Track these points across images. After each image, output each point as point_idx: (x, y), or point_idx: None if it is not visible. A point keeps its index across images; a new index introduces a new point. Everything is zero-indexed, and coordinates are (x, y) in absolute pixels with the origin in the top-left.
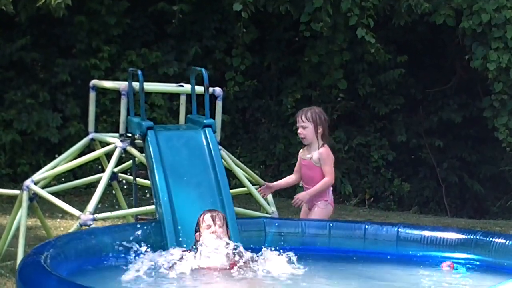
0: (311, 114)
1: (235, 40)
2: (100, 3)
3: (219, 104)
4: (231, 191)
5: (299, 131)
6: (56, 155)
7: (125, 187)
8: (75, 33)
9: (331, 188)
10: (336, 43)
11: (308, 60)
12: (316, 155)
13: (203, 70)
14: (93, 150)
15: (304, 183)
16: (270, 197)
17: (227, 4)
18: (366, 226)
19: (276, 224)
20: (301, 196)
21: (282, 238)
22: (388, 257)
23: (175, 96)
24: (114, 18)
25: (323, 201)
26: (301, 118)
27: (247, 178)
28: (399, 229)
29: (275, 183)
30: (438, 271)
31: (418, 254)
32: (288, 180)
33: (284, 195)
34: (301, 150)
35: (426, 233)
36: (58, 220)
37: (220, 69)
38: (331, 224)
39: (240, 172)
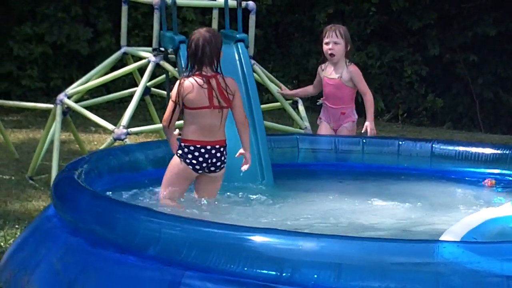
0: (344, 31)
1: None
2: None
3: (252, 18)
4: (264, 106)
5: (330, 46)
6: (89, 69)
7: (159, 100)
8: None
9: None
10: None
11: None
12: (346, 74)
13: None
14: (125, 64)
15: (330, 103)
16: (303, 112)
17: None
18: (400, 142)
19: (309, 140)
20: (371, 126)
21: (315, 154)
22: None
23: (207, 10)
24: None
25: (350, 122)
26: (336, 34)
27: (280, 93)
28: (433, 145)
29: (293, 91)
30: (475, 187)
31: (452, 170)
32: (305, 90)
33: (317, 110)
34: (321, 67)
35: (461, 148)
36: (92, 134)
37: None
38: (364, 140)
39: (273, 87)
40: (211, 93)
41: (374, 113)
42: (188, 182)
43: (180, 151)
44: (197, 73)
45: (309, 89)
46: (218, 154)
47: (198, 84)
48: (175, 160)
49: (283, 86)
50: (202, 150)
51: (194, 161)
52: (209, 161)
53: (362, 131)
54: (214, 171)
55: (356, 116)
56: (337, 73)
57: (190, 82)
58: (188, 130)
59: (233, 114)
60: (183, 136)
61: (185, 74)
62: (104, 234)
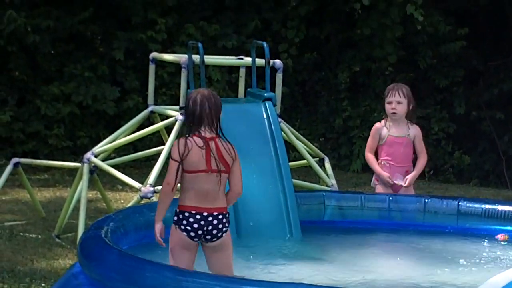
0: (407, 90)
1: (291, 12)
2: None
3: (279, 76)
4: (291, 163)
5: (393, 105)
6: (116, 128)
7: None
8: (131, 6)
9: None
10: (389, 17)
11: (360, 33)
12: (413, 132)
13: (264, 44)
14: (152, 123)
15: (397, 162)
16: (329, 169)
17: None
18: (426, 200)
19: (336, 197)
20: (411, 179)
21: (342, 211)
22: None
23: (233, 69)
24: None
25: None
26: (399, 93)
27: (306, 151)
28: (460, 203)
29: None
30: (494, 243)
31: (478, 227)
32: (375, 162)
33: (343, 168)
34: (382, 124)
35: (487, 206)
36: (118, 192)
37: (277, 41)
38: (390, 198)
39: (300, 145)
40: (209, 156)
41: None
42: (189, 253)
43: (175, 217)
44: (196, 133)
45: (376, 161)
46: (215, 222)
47: (197, 145)
48: (172, 227)
49: (322, 154)
50: (198, 217)
51: (188, 228)
52: (205, 228)
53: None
54: (211, 240)
55: None
56: (402, 131)
57: (189, 141)
58: (185, 195)
59: (229, 181)
60: (179, 202)
61: (184, 135)
62: None
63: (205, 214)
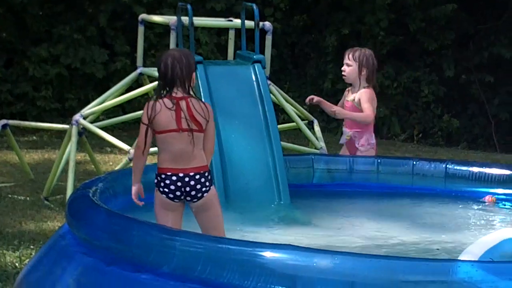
0: (359, 54)
1: None
2: None
3: (268, 38)
4: (280, 126)
5: (343, 68)
6: (104, 90)
7: None
8: None
9: (373, 133)
10: None
11: None
12: (358, 96)
13: (254, 6)
14: (141, 84)
15: (347, 126)
16: (318, 132)
17: None
18: (414, 162)
19: (325, 160)
20: (338, 109)
21: (331, 174)
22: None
23: (222, 31)
24: None
25: (366, 145)
26: (348, 56)
27: (295, 113)
28: (448, 165)
29: (324, 101)
30: (481, 205)
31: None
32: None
33: (332, 131)
34: (347, 89)
35: (475, 169)
36: (107, 154)
37: (265, 4)
38: (379, 161)
39: (289, 107)
40: (179, 116)
41: (386, 133)
42: (173, 214)
43: (155, 180)
44: (167, 95)
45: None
46: (192, 182)
47: (166, 106)
48: (155, 190)
49: (311, 117)
50: (174, 178)
51: (166, 190)
52: (182, 189)
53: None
54: (191, 200)
55: (374, 141)
56: (353, 95)
57: (158, 103)
58: (161, 157)
59: (203, 141)
60: (158, 164)
61: (153, 97)
62: (119, 252)
63: (181, 175)
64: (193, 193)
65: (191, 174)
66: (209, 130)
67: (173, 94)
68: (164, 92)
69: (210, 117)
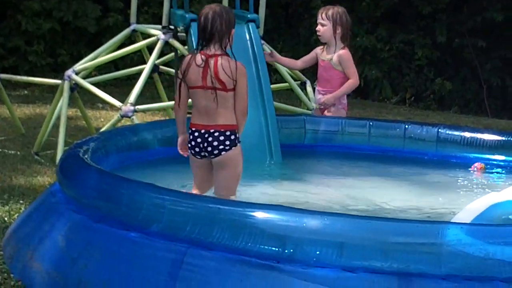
0: (332, 13)
1: None
2: None
3: None
4: (273, 86)
5: (317, 28)
6: (97, 46)
7: (167, 78)
8: None
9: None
10: None
11: None
12: (336, 57)
13: None
14: (134, 41)
15: (319, 85)
16: (311, 93)
17: None
18: (406, 126)
19: (316, 122)
20: (326, 99)
21: (322, 135)
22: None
23: None
24: None
25: (336, 107)
26: (321, 15)
27: (288, 74)
28: (439, 130)
29: (279, 56)
30: (470, 171)
31: (457, 155)
32: (291, 61)
33: None
34: (319, 48)
35: (466, 134)
36: (99, 111)
37: None
38: (371, 123)
39: (282, 67)
40: (206, 73)
41: (377, 96)
42: (200, 170)
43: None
44: (201, 51)
45: (296, 62)
46: (210, 139)
47: (196, 62)
48: None
49: (273, 51)
50: (196, 134)
51: (190, 145)
52: (201, 145)
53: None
54: (209, 157)
55: (345, 102)
56: (328, 55)
57: (191, 59)
58: (192, 112)
59: (235, 101)
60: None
61: (194, 51)
62: (108, 210)
63: (202, 131)
64: (209, 149)
65: (211, 131)
66: (239, 90)
67: (207, 51)
68: (200, 47)
69: (240, 77)
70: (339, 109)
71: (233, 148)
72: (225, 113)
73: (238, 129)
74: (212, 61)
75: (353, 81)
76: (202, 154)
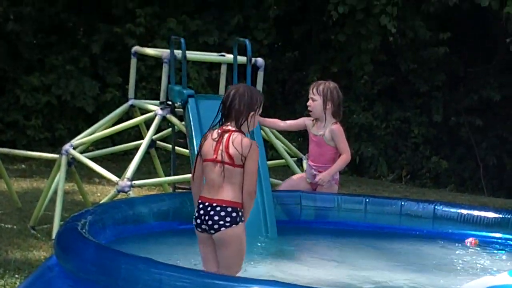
0: (323, 88)
1: (264, 13)
2: None
3: (260, 74)
4: (269, 162)
5: (308, 102)
6: (94, 121)
7: (164, 154)
8: None
9: None
10: (366, 27)
11: (335, 39)
12: (328, 133)
13: (246, 41)
14: (131, 116)
15: (312, 160)
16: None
17: None
18: (403, 203)
19: (313, 198)
20: (323, 176)
21: (318, 212)
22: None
23: (213, 66)
24: None
25: (330, 181)
26: (312, 91)
27: (285, 150)
28: (436, 207)
29: (262, 118)
30: (467, 248)
31: (454, 232)
32: (275, 122)
33: None
34: (309, 119)
35: (463, 211)
36: (96, 185)
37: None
38: (367, 200)
39: (279, 144)
40: (218, 146)
41: (373, 173)
42: (202, 245)
43: None
44: (220, 126)
45: (279, 122)
46: (212, 213)
47: (212, 136)
48: None
49: (300, 154)
50: (200, 206)
51: (193, 217)
52: (202, 217)
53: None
54: (209, 231)
55: (337, 177)
56: (320, 130)
57: (209, 133)
58: (204, 185)
59: (243, 179)
60: None
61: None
62: (106, 285)
63: (206, 204)
64: (210, 223)
65: (214, 205)
66: (247, 169)
67: (225, 126)
68: (220, 122)
69: (251, 155)
70: (332, 184)
71: (233, 226)
72: (230, 188)
73: (244, 209)
74: (226, 136)
75: (346, 157)
76: (203, 227)
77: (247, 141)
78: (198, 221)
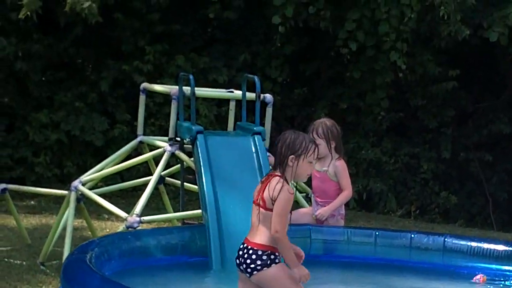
0: (323, 130)
1: (275, 51)
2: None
3: (269, 111)
4: None
5: None
6: (102, 157)
7: (172, 190)
8: (121, 34)
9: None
10: (379, 63)
11: (350, 75)
12: (332, 168)
13: (256, 78)
14: (140, 153)
15: (316, 196)
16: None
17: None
18: (412, 236)
19: (322, 231)
20: (323, 211)
21: (328, 245)
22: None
23: (222, 102)
24: (158, 14)
25: (336, 216)
26: (313, 135)
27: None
28: (446, 239)
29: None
30: (486, 285)
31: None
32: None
33: None
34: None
35: (473, 244)
36: (105, 221)
37: (264, 78)
38: (377, 233)
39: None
40: (261, 190)
41: (382, 208)
42: (241, 285)
43: None
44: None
45: None
46: (246, 256)
47: (261, 180)
48: None
49: (309, 189)
50: (241, 246)
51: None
52: (241, 258)
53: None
54: (245, 273)
55: (343, 212)
56: (323, 166)
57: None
58: None
59: None
60: None
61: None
62: None
63: (244, 245)
64: (244, 266)
65: (248, 247)
66: (274, 211)
67: (274, 171)
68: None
69: (279, 198)
70: (338, 219)
71: (264, 268)
72: (264, 232)
73: (279, 251)
74: (267, 180)
75: (347, 193)
76: (241, 267)
77: (279, 185)
78: (237, 261)
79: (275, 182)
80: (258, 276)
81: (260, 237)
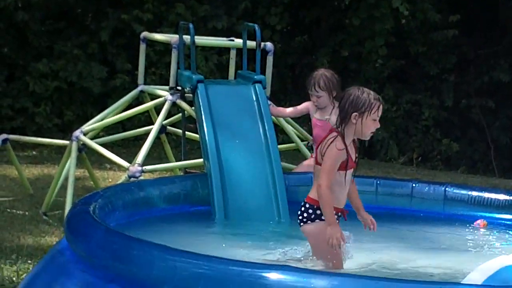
0: (324, 82)
1: None
2: None
3: (269, 59)
4: (279, 146)
5: (313, 99)
6: (103, 107)
7: (174, 139)
8: None
9: None
10: (379, 10)
11: (350, 23)
12: (334, 116)
13: (256, 26)
14: (141, 102)
15: (316, 144)
16: None
17: None
18: (414, 185)
19: None
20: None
21: None
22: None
23: (223, 51)
24: None
25: None
26: (315, 89)
27: (295, 134)
28: (447, 189)
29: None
30: (478, 230)
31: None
32: (280, 109)
33: None
34: (314, 106)
35: (474, 193)
36: (106, 171)
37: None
38: (378, 182)
39: (289, 128)
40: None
41: (384, 156)
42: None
43: None
44: None
45: (285, 110)
46: (301, 208)
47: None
48: None
49: (310, 137)
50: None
51: None
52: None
53: None
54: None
55: None
56: (325, 114)
57: None
58: None
59: None
60: None
61: None
62: (118, 270)
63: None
64: (299, 218)
65: (304, 200)
66: (322, 165)
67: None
68: None
69: (326, 153)
70: None
71: (308, 222)
72: (315, 185)
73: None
74: (327, 135)
75: None
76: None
77: (330, 141)
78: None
79: (328, 138)
80: (303, 228)
81: (312, 191)
